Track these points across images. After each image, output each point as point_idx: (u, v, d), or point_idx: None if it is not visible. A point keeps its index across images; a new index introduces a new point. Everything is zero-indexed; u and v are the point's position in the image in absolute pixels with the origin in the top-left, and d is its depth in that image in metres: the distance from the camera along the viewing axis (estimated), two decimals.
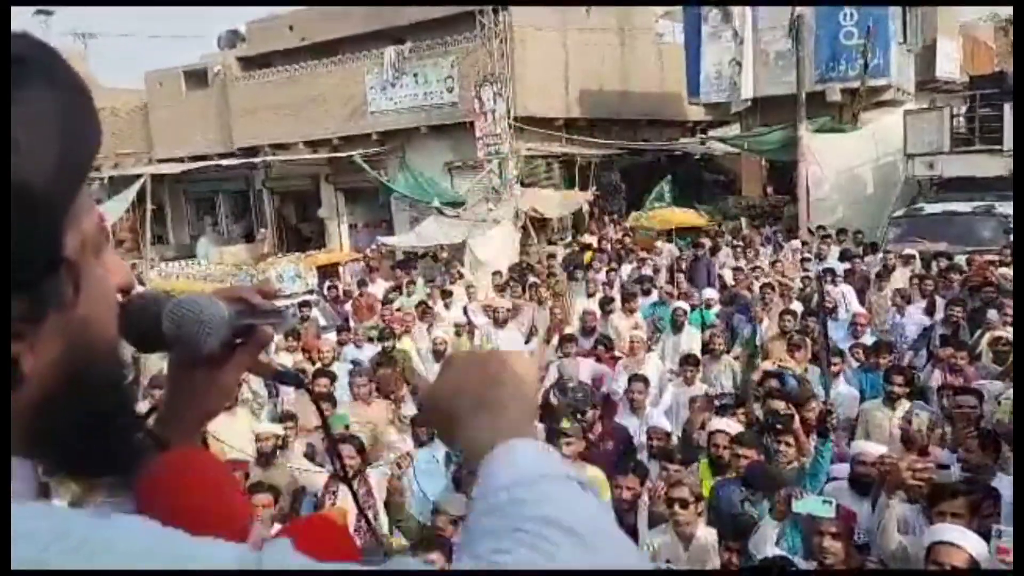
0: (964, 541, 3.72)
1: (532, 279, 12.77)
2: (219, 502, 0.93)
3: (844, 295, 10.32)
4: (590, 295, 11.60)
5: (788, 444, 5.40)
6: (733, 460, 5.38)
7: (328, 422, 1.29)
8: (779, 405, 5.96)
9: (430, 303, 11.29)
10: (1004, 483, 4.59)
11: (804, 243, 14.46)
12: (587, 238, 17.79)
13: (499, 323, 9.80)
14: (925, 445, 5.44)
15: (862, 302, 10.40)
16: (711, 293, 10.67)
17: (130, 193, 19.77)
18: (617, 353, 8.92)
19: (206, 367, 0.98)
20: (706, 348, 8.74)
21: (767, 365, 7.56)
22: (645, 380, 7.36)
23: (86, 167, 0.71)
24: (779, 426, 5.51)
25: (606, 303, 10.51)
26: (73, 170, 0.68)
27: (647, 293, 11.20)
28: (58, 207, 0.66)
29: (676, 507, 4.70)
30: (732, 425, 5.85)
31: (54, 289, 0.66)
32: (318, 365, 8.83)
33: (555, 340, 9.28)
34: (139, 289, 0.98)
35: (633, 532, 4.93)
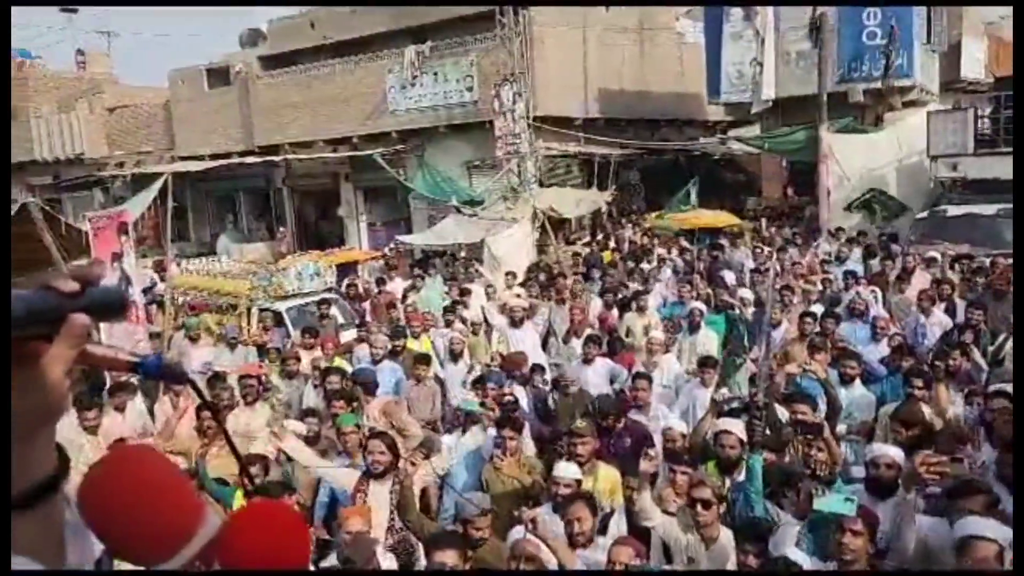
0: (994, 533, 3.69)
1: (551, 279, 12.74)
2: (159, 499, 0.89)
3: (876, 296, 10.23)
4: (604, 294, 11.55)
5: (820, 449, 5.35)
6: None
7: (218, 416, 1.22)
8: (806, 410, 5.87)
9: (457, 303, 11.27)
10: None
11: (835, 241, 14.23)
12: (609, 239, 17.74)
13: (516, 323, 9.77)
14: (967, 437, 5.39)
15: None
16: (746, 293, 10.56)
17: (152, 191, 19.88)
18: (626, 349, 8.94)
19: (19, 366, 0.85)
20: (725, 349, 8.71)
21: (792, 368, 7.48)
22: (649, 378, 7.32)
23: None
24: (809, 434, 5.45)
25: (623, 303, 10.48)
26: None
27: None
28: None
29: (698, 508, 4.71)
30: (739, 425, 5.76)
31: None
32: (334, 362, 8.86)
33: (574, 340, 9.25)
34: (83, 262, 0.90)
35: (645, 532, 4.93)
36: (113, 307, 0.93)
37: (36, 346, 0.86)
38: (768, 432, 5.95)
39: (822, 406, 6.32)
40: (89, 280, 0.90)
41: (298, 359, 9.02)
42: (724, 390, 7.70)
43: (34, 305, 0.84)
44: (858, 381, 7.22)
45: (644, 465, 5.05)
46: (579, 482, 5.16)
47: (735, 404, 6.96)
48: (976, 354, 7.66)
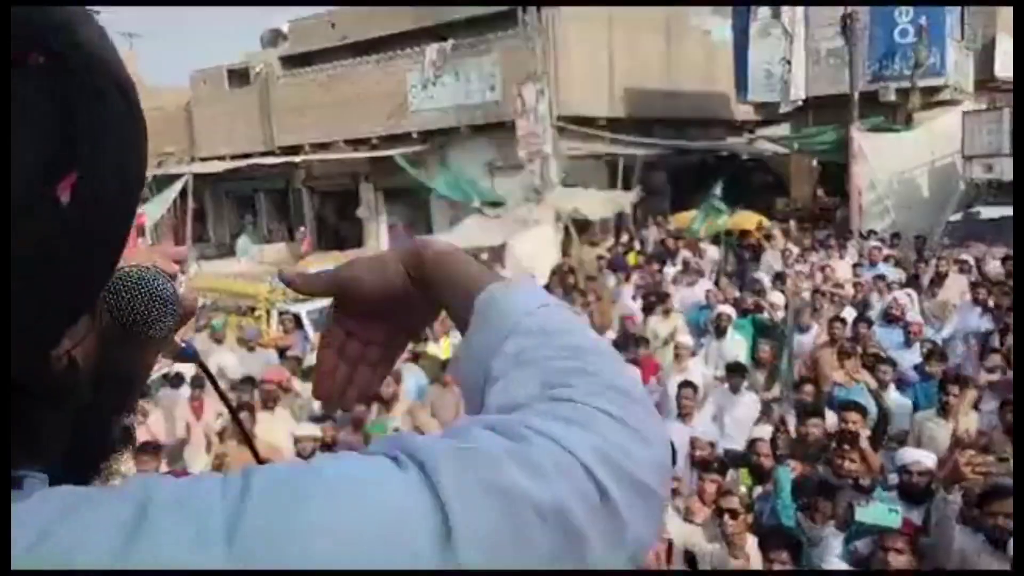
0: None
1: (575, 281, 12.51)
2: None
3: (912, 299, 9.95)
4: (635, 297, 11.35)
5: (852, 460, 5.15)
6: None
7: (226, 397, 1.06)
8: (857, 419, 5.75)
9: None
10: None
11: (874, 246, 13.85)
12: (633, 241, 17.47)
13: None
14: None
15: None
16: (777, 297, 10.29)
17: (172, 192, 19.90)
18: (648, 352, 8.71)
19: (127, 348, 0.79)
20: (754, 355, 8.49)
21: (839, 377, 7.25)
22: (694, 387, 7.19)
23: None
24: (845, 444, 5.28)
25: (648, 305, 10.24)
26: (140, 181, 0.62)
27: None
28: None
29: (726, 517, 4.67)
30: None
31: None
32: None
33: None
34: None
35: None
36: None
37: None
38: (797, 442, 5.81)
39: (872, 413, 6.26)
40: (180, 260, 0.90)
41: None
42: (752, 394, 7.54)
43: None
44: (892, 387, 7.07)
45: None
46: None
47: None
48: None
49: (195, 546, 0.49)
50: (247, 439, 1.10)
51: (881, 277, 11.08)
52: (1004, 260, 11.19)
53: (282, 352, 9.99)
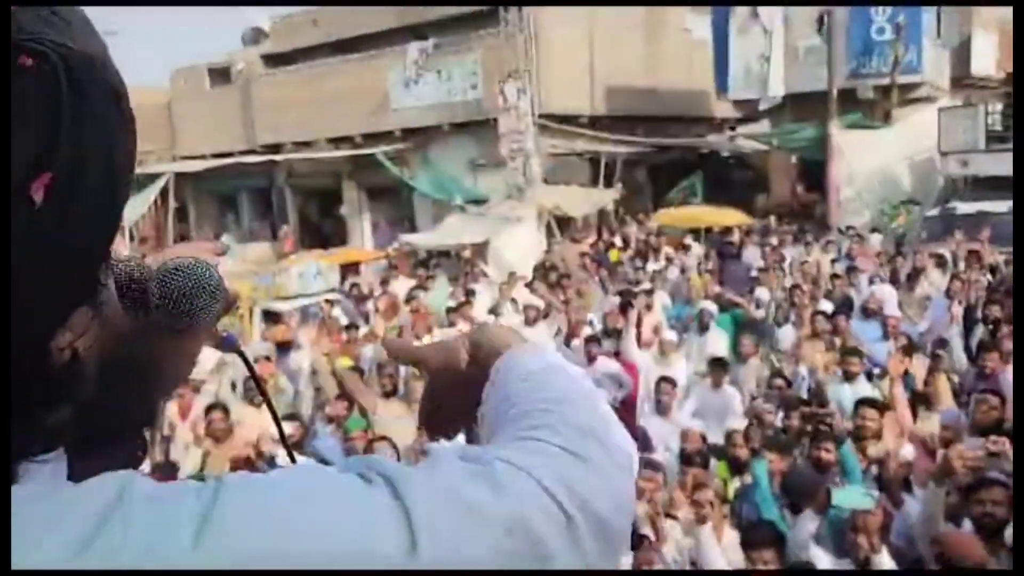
0: None
1: (558, 279, 12.56)
2: None
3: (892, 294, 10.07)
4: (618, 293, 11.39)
5: (828, 451, 5.22)
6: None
7: (264, 388, 1.12)
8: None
9: (462, 304, 11.08)
10: None
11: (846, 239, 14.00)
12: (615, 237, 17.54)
13: (529, 322, 9.56)
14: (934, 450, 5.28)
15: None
16: (763, 293, 10.36)
17: (153, 191, 19.80)
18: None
19: (172, 337, 0.84)
20: (735, 350, 8.57)
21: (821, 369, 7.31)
22: (673, 382, 7.24)
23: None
24: (825, 436, 5.33)
25: (625, 304, 10.28)
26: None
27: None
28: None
29: (701, 509, 4.67)
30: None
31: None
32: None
33: (575, 341, 9.05)
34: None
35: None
36: None
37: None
38: (775, 434, 5.85)
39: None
40: (219, 254, 0.93)
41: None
42: (733, 389, 7.63)
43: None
44: (862, 378, 7.11)
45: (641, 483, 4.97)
46: None
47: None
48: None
49: (163, 535, 0.51)
50: (280, 430, 1.12)
51: (853, 268, 11.25)
52: (970, 254, 11.36)
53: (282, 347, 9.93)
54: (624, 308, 9.94)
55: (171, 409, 7.77)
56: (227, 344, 0.99)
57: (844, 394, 6.63)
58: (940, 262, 11.40)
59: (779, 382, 7.31)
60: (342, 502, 0.58)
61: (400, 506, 0.58)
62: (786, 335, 9.02)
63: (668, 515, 5.01)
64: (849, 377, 6.97)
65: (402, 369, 8.16)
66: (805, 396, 6.92)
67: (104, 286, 0.62)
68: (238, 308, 11.77)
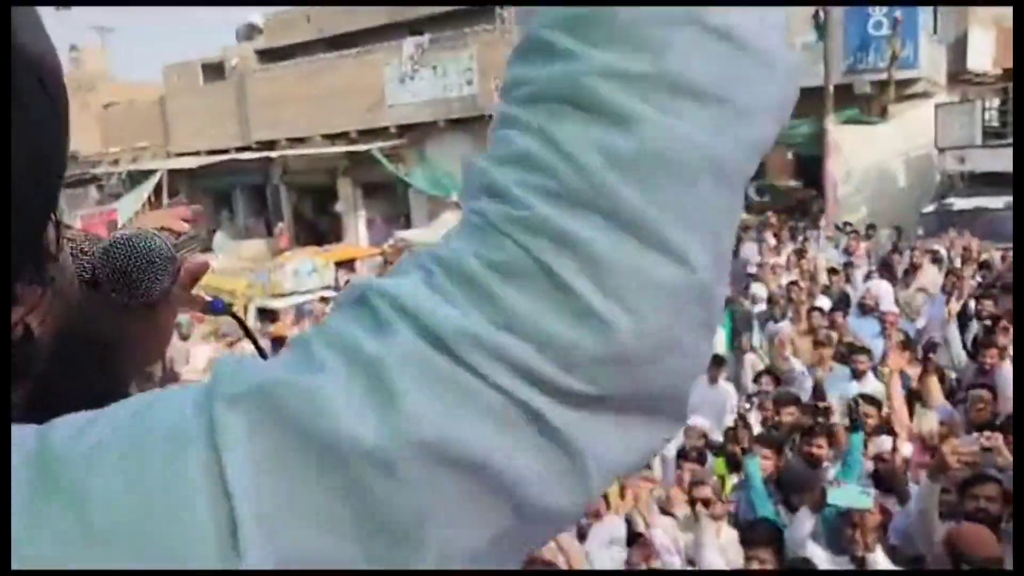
0: None
1: None
2: None
3: (884, 291, 10.06)
4: None
5: (819, 447, 5.23)
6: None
7: (253, 336, 1.05)
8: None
9: None
10: None
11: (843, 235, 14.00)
12: None
13: None
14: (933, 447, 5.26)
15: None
16: (759, 289, 10.33)
17: (147, 188, 19.74)
18: None
19: (133, 311, 0.82)
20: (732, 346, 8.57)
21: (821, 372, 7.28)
22: None
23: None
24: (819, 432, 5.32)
25: None
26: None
27: None
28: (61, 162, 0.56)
29: (699, 506, 4.68)
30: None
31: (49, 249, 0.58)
32: None
33: None
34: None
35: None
36: (196, 243, 0.94)
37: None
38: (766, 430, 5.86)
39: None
40: (191, 220, 0.91)
41: None
42: (731, 385, 7.62)
43: (177, 245, 0.83)
44: (870, 375, 7.09)
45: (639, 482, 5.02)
46: None
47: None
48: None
49: None
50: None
51: (848, 264, 11.25)
52: (963, 250, 11.37)
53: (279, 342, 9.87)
54: None
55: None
56: (214, 308, 0.97)
57: (852, 392, 6.60)
58: (935, 258, 11.40)
59: (768, 378, 7.33)
60: (136, 495, 0.37)
61: (217, 474, 0.37)
62: (782, 331, 9.00)
63: (665, 512, 5.02)
64: (857, 375, 6.96)
65: None
66: (804, 393, 6.91)
67: (54, 259, 0.59)
68: (233, 305, 11.73)
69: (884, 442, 5.29)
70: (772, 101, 0.43)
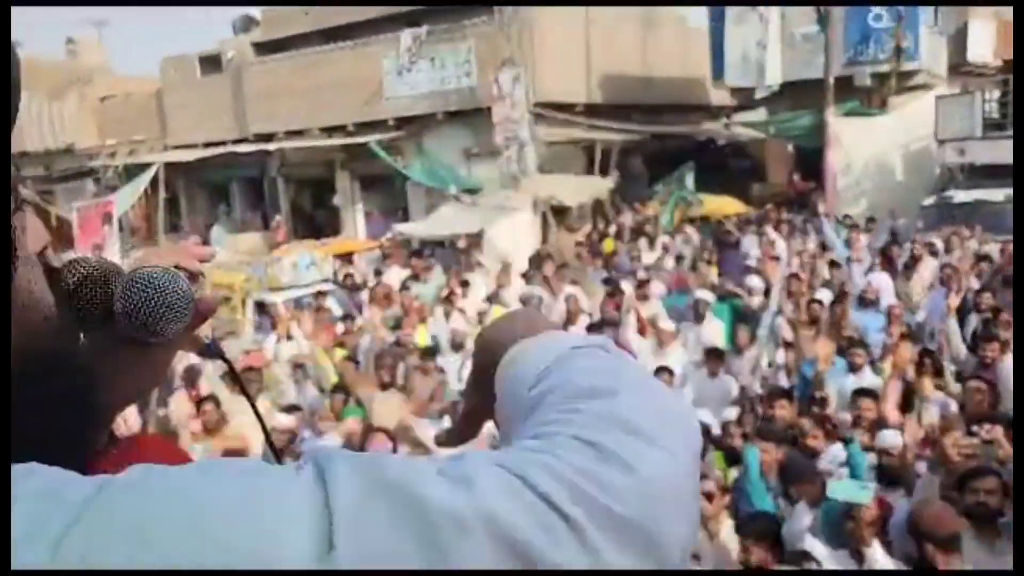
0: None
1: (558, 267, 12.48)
2: None
3: (885, 284, 10.03)
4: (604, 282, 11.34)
5: (815, 437, 5.30)
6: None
7: (248, 391, 1.07)
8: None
9: (455, 291, 11.01)
10: None
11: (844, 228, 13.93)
12: (610, 227, 17.46)
13: None
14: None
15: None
16: (756, 282, 10.30)
17: (143, 181, 19.67)
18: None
19: (136, 346, 0.82)
20: (732, 340, 8.54)
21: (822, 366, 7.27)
22: (671, 371, 7.21)
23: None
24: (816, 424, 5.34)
25: (612, 292, 10.23)
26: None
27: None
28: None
29: (702, 500, 4.59)
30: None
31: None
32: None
33: (572, 329, 8.98)
34: (71, 255, 0.84)
35: None
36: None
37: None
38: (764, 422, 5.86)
39: None
40: (205, 260, 0.92)
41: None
42: (730, 379, 7.59)
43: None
44: (867, 369, 7.12)
45: None
46: None
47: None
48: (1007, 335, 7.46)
49: (23, 542, 0.46)
50: (265, 431, 1.07)
51: (850, 259, 11.23)
52: (962, 243, 11.36)
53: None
54: (612, 296, 9.92)
55: (184, 402, 7.61)
56: (210, 351, 0.97)
57: (848, 385, 6.62)
58: (933, 251, 11.39)
59: (768, 371, 7.32)
60: (247, 501, 0.48)
61: (322, 497, 0.48)
62: (781, 324, 8.96)
63: None
64: (854, 368, 6.98)
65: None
66: (805, 387, 6.90)
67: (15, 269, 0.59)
68: (230, 299, 11.67)
69: (887, 436, 5.26)
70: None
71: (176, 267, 0.84)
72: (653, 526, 0.55)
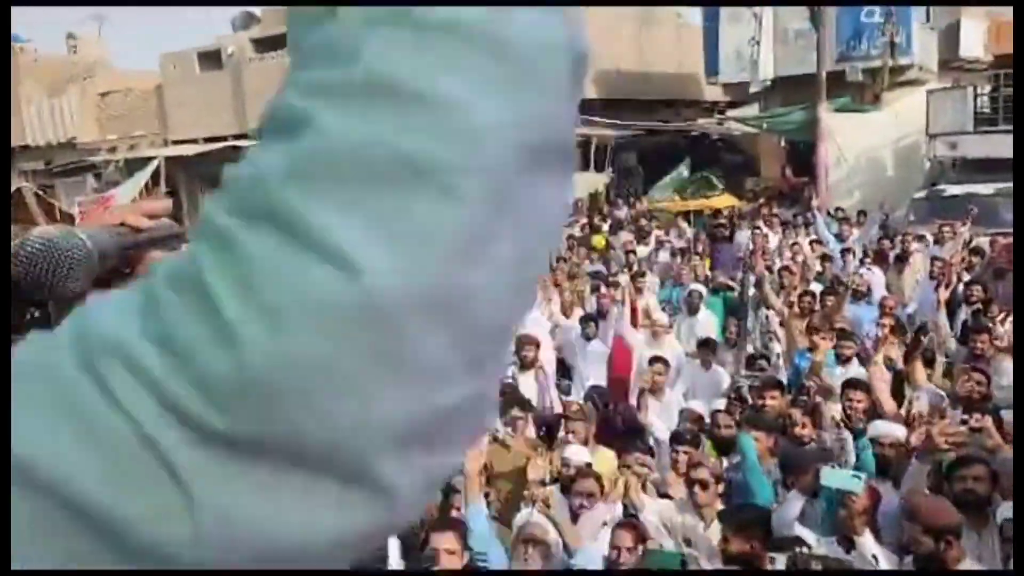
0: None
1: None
2: None
3: (879, 277, 10.17)
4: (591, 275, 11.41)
5: (803, 426, 5.33)
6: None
7: None
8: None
9: None
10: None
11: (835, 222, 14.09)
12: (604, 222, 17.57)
13: None
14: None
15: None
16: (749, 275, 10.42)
17: (144, 175, 19.76)
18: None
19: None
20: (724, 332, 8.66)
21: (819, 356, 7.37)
22: (665, 362, 7.22)
23: None
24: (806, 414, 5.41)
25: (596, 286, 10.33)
26: None
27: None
28: None
29: (696, 488, 4.70)
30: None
31: None
32: None
33: (566, 322, 9.14)
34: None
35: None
36: (174, 240, 0.90)
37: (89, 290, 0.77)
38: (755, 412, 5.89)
39: None
40: (157, 215, 0.87)
41: None
42: (723, 370, 7.72)
43: (120, 241, 0.81)
44: (855, 361, 7.15)
45: (631, 461, 5.06)
46: (589, 465, 5.08)
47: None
48: (999, 328, 7.57)
49: None
50: None
51: (848, 251, 11.35)
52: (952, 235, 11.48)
53: None
54: (596, 290, 10.02)
55: None
56: None
57: (837, 377, 6.62)
58: (924, 244, 11.51)
59: (760, 363, 7.42)
60: None
61: None
62: (773, 316, 9.11)
63: (664, 495, 5.08)
64: (842, 360, 7.02)
65: None
66: (798, 377, 6.99)
67: None
68: None
69: (880, 426, 5.34)
70: (496, 85, 0.36)
71: (122, 224, 0.83)
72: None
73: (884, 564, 3.93)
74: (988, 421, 4.69)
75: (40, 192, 19.73)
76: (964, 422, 4.89)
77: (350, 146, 0.34)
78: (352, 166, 0.34)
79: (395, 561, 3.97)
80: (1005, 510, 3.92)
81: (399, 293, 0.33)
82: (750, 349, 8.38)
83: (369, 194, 0.33)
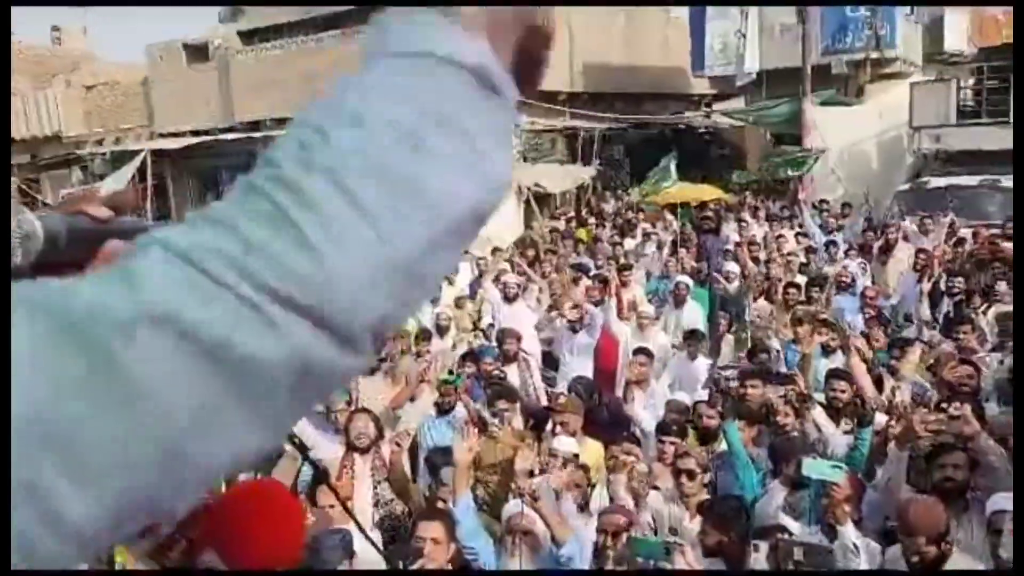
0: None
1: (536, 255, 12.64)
2: (281, 530, 0.81)
3: (865, 267, 10.26)
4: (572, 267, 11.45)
5: (787, 415, 5.39)
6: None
7: None
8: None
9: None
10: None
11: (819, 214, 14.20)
12: (586, 213, 17.65)
13: (509, 298, 9.64)
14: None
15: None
16: (733, 267, 10.51)
17: (131, 168, 19.68)
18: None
19: None
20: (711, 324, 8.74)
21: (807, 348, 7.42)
22: (649, 354, 7.26)
23: None
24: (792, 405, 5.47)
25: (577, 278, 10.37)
26: None
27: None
28: None
29: (683, 478, 4.74)
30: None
31: None
32: None
33: (555, 314, 9.18)
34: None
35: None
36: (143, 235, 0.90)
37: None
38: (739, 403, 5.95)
39: None
40: (120, 208, 0.87)
41: None
42: (709, 361, 7.80)
43: (73, 226, 0.81)
44: (840, 352, 7.22)
45: (618, 452, 5.10)
46: (577, 456, 5.14)
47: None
48: (982, 320, 7.67)
49: None
50: None
51: (832, 243, 11.46)
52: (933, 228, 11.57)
53: None
54: (576, 281, 10.06)
55: None
56: None
57: (822, 367, 6.67)
58: (907, 236, 11.60)
59: (743, 355, 7.49)
60: None
61: None
62: (760, 308, 9.20)
63: (651, 487, 5.13)
64: (827, 352, 7.08)
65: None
66: (783, 369, 7.05)
67: None
68: None
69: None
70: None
71: (80, 212, 0.83)
72: (329, 309, 0.49)
73: (864, 554, 3.95)
74: (967, 409, 4.73)
75: (24, 187, 19.68)
76: (943, 409, 4.95)
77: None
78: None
79: (359, 548, 3.94)
80: (997, 501, 3.91)
81: (413, 256, 0.52)
82: (732, 342, 8.46)
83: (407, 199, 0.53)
